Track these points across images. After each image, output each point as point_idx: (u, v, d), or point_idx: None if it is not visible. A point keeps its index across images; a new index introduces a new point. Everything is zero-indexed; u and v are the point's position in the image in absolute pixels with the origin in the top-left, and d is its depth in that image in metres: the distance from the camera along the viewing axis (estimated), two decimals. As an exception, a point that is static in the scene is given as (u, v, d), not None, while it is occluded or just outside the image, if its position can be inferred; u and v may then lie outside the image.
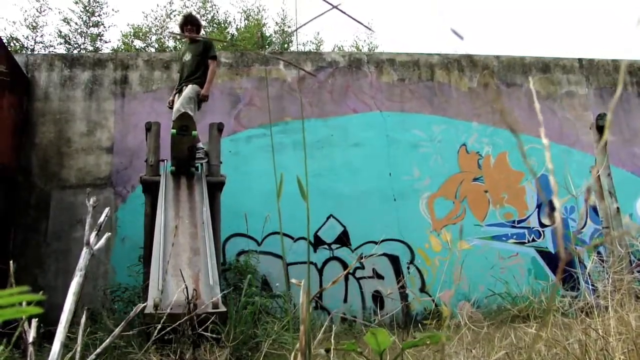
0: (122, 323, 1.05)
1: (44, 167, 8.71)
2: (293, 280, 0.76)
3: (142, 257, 6.67)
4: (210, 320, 4.03)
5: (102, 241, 1.39)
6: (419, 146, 9.55)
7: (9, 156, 8.35)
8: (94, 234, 1.37)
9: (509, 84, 10.24)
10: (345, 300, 8.51)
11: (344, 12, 0.87)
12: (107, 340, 1.08)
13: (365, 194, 9.11)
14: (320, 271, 8.62)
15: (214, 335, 4.06)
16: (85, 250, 1.29)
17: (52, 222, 8.43)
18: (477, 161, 9.63)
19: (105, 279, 8.13)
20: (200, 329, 3.87)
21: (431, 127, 9.70)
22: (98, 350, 1.18)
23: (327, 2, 0.85)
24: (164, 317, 2.86)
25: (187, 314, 3.82)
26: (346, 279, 8.58)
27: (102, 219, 1.41)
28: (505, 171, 9.59)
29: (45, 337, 3.17)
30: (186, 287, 3.99)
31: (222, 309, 4.61)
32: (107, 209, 1.47)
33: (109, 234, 1.43)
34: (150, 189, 6.57)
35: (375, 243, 8.70)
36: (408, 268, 8.84)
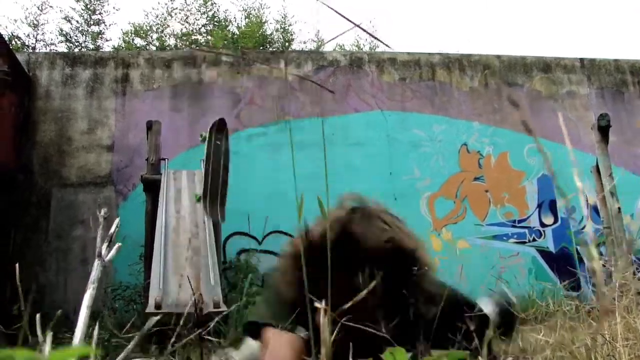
0: (137, 337, 1.05)
1: (45, 165, 8.70)
2: (317, 304, 0.74)
3: (142, 256, 6.66)
4: (215, 321, 4.02)
5: (113, 252, 1.38)
6: (420, 146, 9.53)
7: (9, 154, 8.34)
8: (105, 245, 1.37)
9: (510, 83, 10.22)
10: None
11: (364, 30, 0.86)
12: (121, 355, 1.07)
13: (365, 194, 8.99)
14: (321, 271, 8.59)
15: (213, 339, 4.04)
16: (97, 262, 1.28)
17: (53, 221, 8.41)
18: (477, 161, 9.62)
19: (106, 278, 8.11)
20: (202, 331, 3.85)
21: (432, 126, 9.68)
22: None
23: (350, 21, 0.84)
24: (172, 318, 2.85)
25: (195, 317, 3.81)
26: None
27: (112, 229, 1.41)
28: (506, 171, 9.58)
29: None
30: (193, 293, 3.98)
31: (223, 308, 4.60)
32: (117, 220, 1.46)
33: (120, 244, 1.42)
34: (151, 188, 6.56)
35: (376, 243, 8.68)
36: (409, 268, 8.81)
